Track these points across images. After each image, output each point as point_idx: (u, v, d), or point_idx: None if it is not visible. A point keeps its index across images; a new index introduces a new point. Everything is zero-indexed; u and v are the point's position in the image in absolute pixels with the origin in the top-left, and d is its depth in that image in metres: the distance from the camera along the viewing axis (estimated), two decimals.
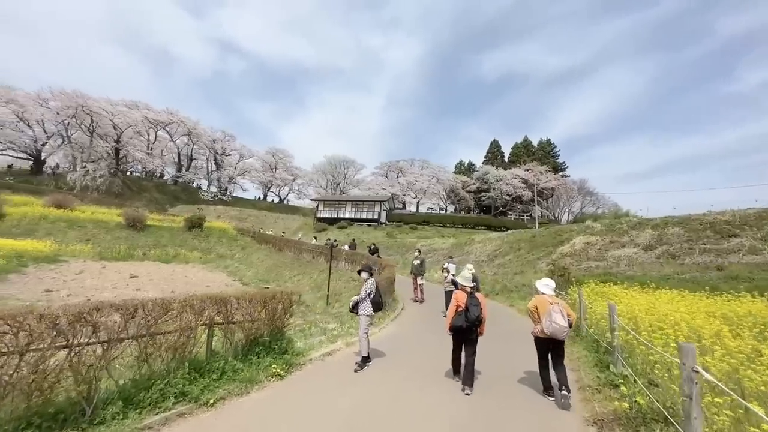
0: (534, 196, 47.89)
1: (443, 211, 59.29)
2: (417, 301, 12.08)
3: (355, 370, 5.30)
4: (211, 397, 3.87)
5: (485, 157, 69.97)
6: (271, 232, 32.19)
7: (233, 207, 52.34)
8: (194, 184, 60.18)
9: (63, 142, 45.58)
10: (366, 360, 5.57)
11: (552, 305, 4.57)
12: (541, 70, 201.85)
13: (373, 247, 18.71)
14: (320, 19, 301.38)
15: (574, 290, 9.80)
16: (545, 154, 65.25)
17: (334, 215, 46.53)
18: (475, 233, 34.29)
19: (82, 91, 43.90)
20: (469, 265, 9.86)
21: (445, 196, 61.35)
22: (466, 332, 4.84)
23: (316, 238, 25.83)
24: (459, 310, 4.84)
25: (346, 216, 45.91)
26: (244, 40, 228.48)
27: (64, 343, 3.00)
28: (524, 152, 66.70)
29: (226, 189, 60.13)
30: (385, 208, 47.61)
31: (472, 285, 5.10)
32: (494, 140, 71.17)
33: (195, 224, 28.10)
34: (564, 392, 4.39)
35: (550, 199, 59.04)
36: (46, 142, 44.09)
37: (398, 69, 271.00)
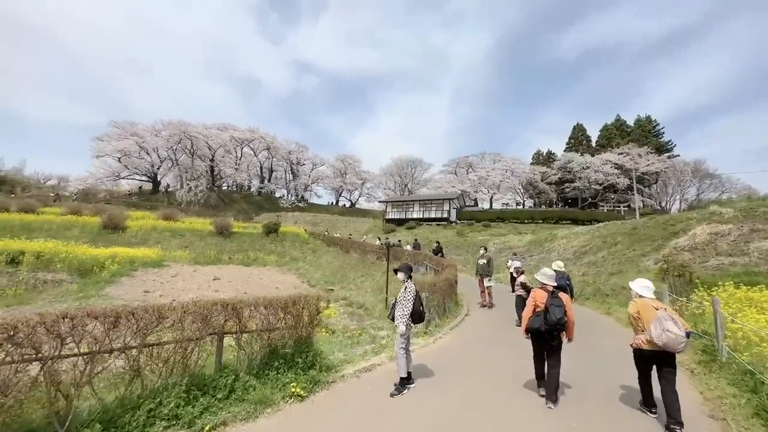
0: (632, 182, 40.81)
1: (520, 206, 54.43)
2: (485, 306, 10.54)
3: (392, 395, 4.32)
4: (209, 422, 3.29)
5: (567, 144, 62.46)
6: (338, 235, 32.98)
7: (308, 213, 55.52)
8: (275, 194, 65.61)
9: (172, 165, 53.61)
10: (406, 381, 4.55)
11: (658, 310, 3.81)
12: (635, 39, 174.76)
13: (436, 246, 17.44)
14: (383, 26, 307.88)
15: (701, 295, 7.32)
16: (644, 134, 55.52)
17: (402, 216, 46.03)
18: (557, 228, 30.32)
19: (184, 120, 51.26)
20: (559, 262, 8.14)
21: (522, 190, 56.35)
22: (546, 337, 4.23)
23: (380, 239, 25.46)
24: (537, 310, 4.27)
25: (414, 216, 45.02)
26: (316, 58, 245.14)
27: (33, 355, 2.63)
28: (617, 134, 57.74)
29: (302, 197, 64.26)
30: (455, 206, 45.45)
31: (554, 284, 4.49)
32: (577, 124, 63.15)
33: (271, 230, 30.10)
34: (675, 427, 3.52)
35: (654, 185, 49.94)
36: (160, 166, 52.33)
37: (465, 63, 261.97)
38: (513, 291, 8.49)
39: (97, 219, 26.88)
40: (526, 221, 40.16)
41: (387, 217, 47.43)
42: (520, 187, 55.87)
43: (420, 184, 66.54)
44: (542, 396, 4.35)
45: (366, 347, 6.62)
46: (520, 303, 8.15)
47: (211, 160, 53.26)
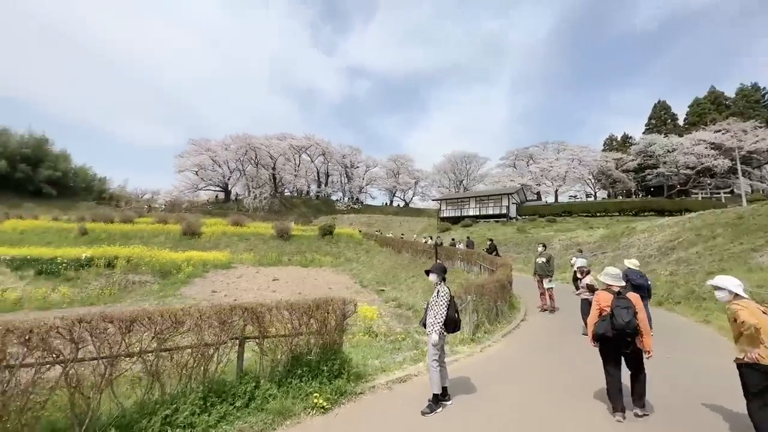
0: (736, 163, 34.30)
1: (591, 198, 49.22)
2: (545, 309, 9.40)
3: (423, 413, 3.83)
4: None
5: (647, 125, 54.94)
6: (390, 235, 32.89)
7: (363, 214, 56.54)
8: (332, 197, 68.08)
9: (240, 175, 58.54)
10: (440, 399, 4.02)
11: None
12: None
13: (489, 244, 16.28)
14: (433, 21, 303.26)
15: None
16: (750, 105, 46.52)
17: (458, 214, 44.51)
18: (636, 221, 26.60)
19: (248, 133, 55.72)
20: (633, 260, 6.95)
21: (593, 180, 50.93)
22: (616, 344, 3.73)
23: (431, 238, 24.72)
24: (603, 314, 3.81)
25: (470, 213, 43.22)
26: (368, 61, 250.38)
27: (54, 359, 2.70)
28: (711, 108, 49.24)
29: (356, 198, 65.75)
30: (515, 201, 42.63)
31: (621, 284, 3.97)
32: (659, 102, 55.21)
33: (326, 232, 31.08)
34: None
35: (766, 165, 41.49)
36: (230, 176, 57.47)
37: (522, 49, 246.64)
38: (578, 293, 7.38)
39: (178, 227, 30.20)
40: (598, 214, 36.06)
41: (442, 215, 46.27)
42: (590, 177, 50.50)
43: (476, 180, 63.88)
44: (616, 416, 3.69)
45: (406, 354, 6.18)
46: (586, 307, 7.04)
47: (273, 168, 57.04)
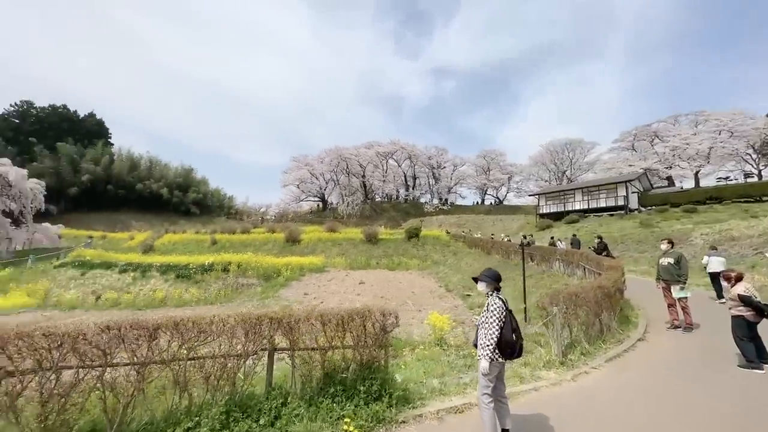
0: None
1: (751, 178, 37.84)
2: (676, 326, 7.11)
3: None
4: None
5: None
6: (479, 235, 30.80)
7: (452, 215, 54.78)
8: (420, 199, 67.94)
9: (334, 185, 63.10)
10: None
11: None
12: None
13: (598, 243, 13.54)
14: (518, 6, 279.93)
15: None
16: None
17: (560, 209, 39.34)
18: None
19: (339, 145, 59.77)
20: None
21: (755, 156, 39.14)
22: None
23: (525, 237, 22.11)
24: None
25: (576, 208, 37.70)
26: (452, 60, 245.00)
27: (89, 363, 2.85)
28: None
29: (445, 200, 64.16)
30: (635, 190, 35.56)
31: None
32: None
33: (412, 234, 30.83)
34: None
35: None
36: (326, 187, 62.42)
37: (637, 10, 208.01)
38: (721, 300, 5.30)
39: (282, 235, 33.86)
40: (764, 198, 27.35)
41: (541, 211, 41.57)
42: (750, 151, 38.88)
43: (581, 170, 55.75)
44: None
45: (477, 374, 5.26)
46: (742, 327, 4.99)
47: (363, 176, 59.88)
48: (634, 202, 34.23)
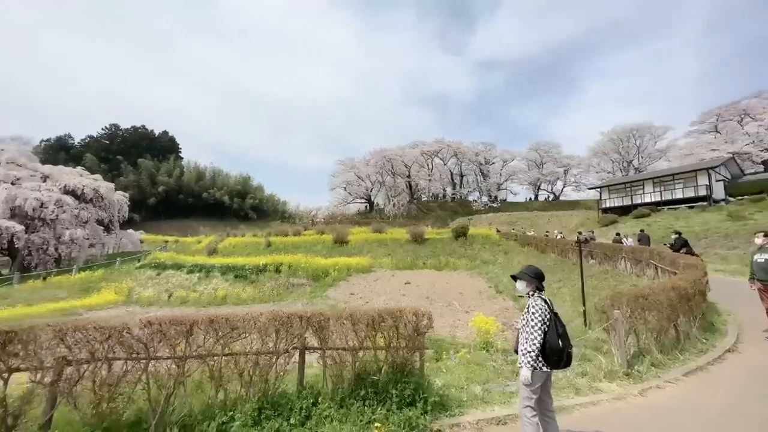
0: None
1: None
2: None
3: None
4: None
5: None
6: (532, 233, 28.95)
7: (503, 212, 52.30)
8: (469, 198, 65.91)
9: (380, 186, 63.65)
10: None
11: None
12: None
13: (676, 239, 11.89)
14: None
15: None
16: None
17: (627, 202, 35.65)
18: None
19: (383, 147, 60.18)
20: None
21: None
22: None
23: (580, 233, 20.23)
24: None
25: (646, 200, 33.89)
26: (500, 51, 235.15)
27: (136, 356, 3.05)
28: None
29: (495, 197, 61.49)
30: (721, 177, 31.01)
31: None
32: None
33: (460, 234, 29.94)
34: None
35: None
36: (372, 188, 63.18)
37: None
38: None
39: (330, 236, 34.89)
40: None
41: (604, 206, 38.03)
42: None
43: (652, 158, 49.99)
44: None
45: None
46: None
47: (408, 176, 59.64)
48: (719, 192, 29.85)
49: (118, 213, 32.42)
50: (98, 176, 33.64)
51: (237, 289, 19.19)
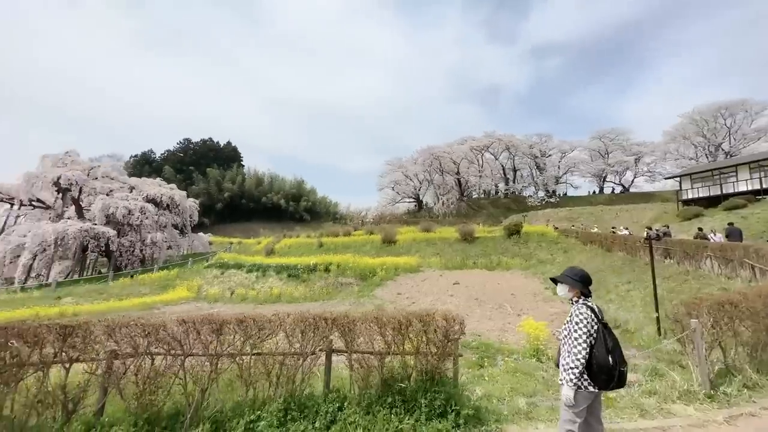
0: None
1: None
2: None
3: None
4: None
5: None
6: (596, 230, 26.36)
7: (562, 208, 48.52)
8: (524, 193, 62.31)
9: (429, 185, 62.82)
10: None
11: None
12: None
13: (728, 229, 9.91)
14: None
15: None
16: None
17: (715, 192, 30.97)
18: None
19: (431, 144, 59.30)
20: None
21: None
22: None
23: (650, 228, 17.88)
24: None
25: (741, 189, 29.11)
26: (556, 35, 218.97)
27: (175, 351, 3.24)
28: None
29: (553, 191, 57.29)
30: None
31: None
32: None
33: (513, 231, 28.35)
34: None
35: None
36: (420, 187, 62.62)
37: None
38: None
39: (378, 236, 35.20)
40: None
41: (685, 197, 33.47)
42: None
43: (747, 139, 42.76)
44: None
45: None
46: None
47: (457, 173, 58.07)
48: None
49: (190, 218, 35.98)
50: (173, 185, 37.71)
51: (290, 287, 20.15)
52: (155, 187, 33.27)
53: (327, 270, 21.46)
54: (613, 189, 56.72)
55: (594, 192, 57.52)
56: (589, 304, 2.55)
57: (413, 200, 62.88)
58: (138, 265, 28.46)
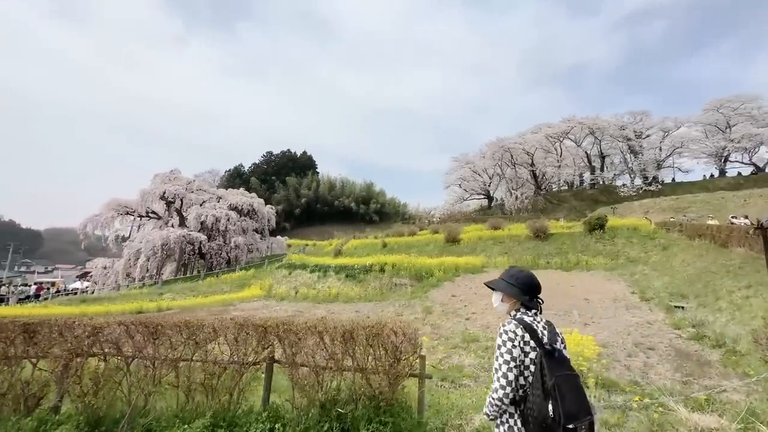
0: None
1: None
2: None
3: None
4: None
5: None
6: (713, 221, 21.26)
7: (666, 196, 40.76)
8: (615, 182, 54.11)
9: (500, 179, 58.85)
10: None
11: None
12: None
13: None
14: None
15: None
16: None
17: None
18: None
19: (500, 136, 55.47)
20: None
21: None
22: None
23: (735, 218, 13.35)
24: None
25: None
26: None
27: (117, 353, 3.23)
28: None
29: (653, 178, 48.45)
30: None
31: None
32: None
33: (595, 226, 24.62)
34: None
35: None
36: (490, 183, 59.03)
37: None
38: None
39: (442, 236, 33.99)
40: None
41: None
42: None
43: None
44: None
45: None
46: None
47: (531, 165, 53.17)
48: None
49: (268, 223, 39.50)
50: (254, 194, 41.93)
51: (347, 287, 20.51)
52: (237, 196, 37.36)
53: (382, 270, 21.31)
54: (739, 170, 45.59)
55: (711, 176, 46.95)
56: (527, 319, 1.68)
57: (483, 196, 59.56)
58: (224, 266, 32.22)
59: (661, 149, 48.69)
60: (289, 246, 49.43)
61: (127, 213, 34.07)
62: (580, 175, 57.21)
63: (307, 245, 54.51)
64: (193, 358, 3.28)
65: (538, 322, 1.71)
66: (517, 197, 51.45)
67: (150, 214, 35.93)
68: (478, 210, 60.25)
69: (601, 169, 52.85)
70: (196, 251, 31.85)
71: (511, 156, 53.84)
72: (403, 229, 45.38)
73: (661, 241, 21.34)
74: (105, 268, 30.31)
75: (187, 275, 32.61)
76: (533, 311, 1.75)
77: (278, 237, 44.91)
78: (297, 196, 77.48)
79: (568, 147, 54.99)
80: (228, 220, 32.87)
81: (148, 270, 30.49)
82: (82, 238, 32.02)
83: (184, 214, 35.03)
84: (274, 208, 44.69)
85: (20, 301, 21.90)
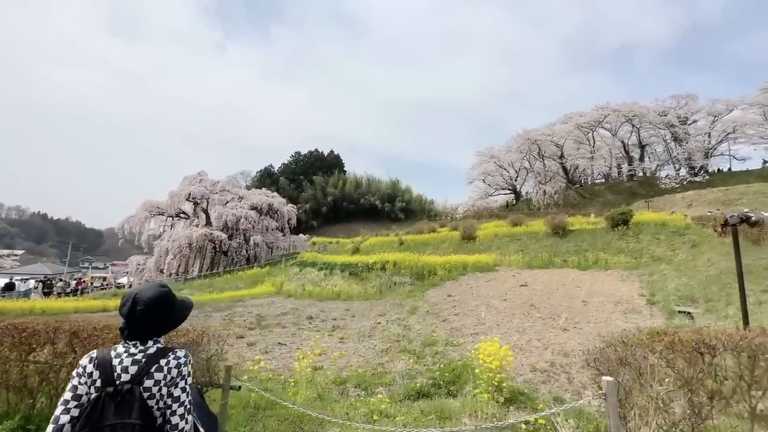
0: None
1: None
2: None
3: None
4: None
5: None
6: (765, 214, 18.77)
7: (714, 188, 36.75)
8: (658, 173, 49.64)
9: (527, 173, 56.24)
10: None
11: None
12: None
13: None
14: None
15: None
16: None
17: None
18: None
19: (526, 128, 52.89)
20: None
21: None
22: None
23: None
24: None
25: None
26: None
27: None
28: None
29: (700, 167, 43.77)
30: None
31: None
32: None
33: (618, 222, 22.74)
34: None
35: None
36: (517, 177, 56.57)
37: None
38: None
39: (457, 233, 33.10)
40: None
41: None
42: None
43: None
44: None
45: None
46: None
47: (560, 157, 50.20)
48: None
49: (288, 221, 40.66)
50: (275, 194, 43.37)
51: (349, 285, 20.64)
52: (257, 196, 38.83)
53: (383, 269, 21.16)
54: None
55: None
56: (119, 349, 1.46)
57: (510, 191, 57.22)
58: (245, 264, 33.67)
59: (710, 135, 43.84)
60: (314, 244, 50.55)
61: (159, 213, 36.59)
62: (618, 167, 53.09)
63: (330, 242, 55.45)
64: None
65: (115, 354, 1.44)
66: (545, 192, 48.84)
67: (180, 215, 38.37)
68: (506, 205, 58.02)
69: (641, 159, 48.67)
70: (218, 249, 33.53)
71: (539, 148, 51.18)
72: (423, 226, 44.73)
73: (692, 237, 19.24)
74: (139, 264, 32.81)
75: (211, 272, 34.51)
76: (127, 343, 1.49)
77: (300, 235, 46.09)
78: (324, 195, 78.99)
79: (603, 137, 51.25)
80: (247, 219, 34.26)
81: (177, 267, 32.62)
82: (120, 237, 34.88)
83: (210, 213, 37.05)
84: (295, 207, 45.92)
85: (59, 294, 24.31)
